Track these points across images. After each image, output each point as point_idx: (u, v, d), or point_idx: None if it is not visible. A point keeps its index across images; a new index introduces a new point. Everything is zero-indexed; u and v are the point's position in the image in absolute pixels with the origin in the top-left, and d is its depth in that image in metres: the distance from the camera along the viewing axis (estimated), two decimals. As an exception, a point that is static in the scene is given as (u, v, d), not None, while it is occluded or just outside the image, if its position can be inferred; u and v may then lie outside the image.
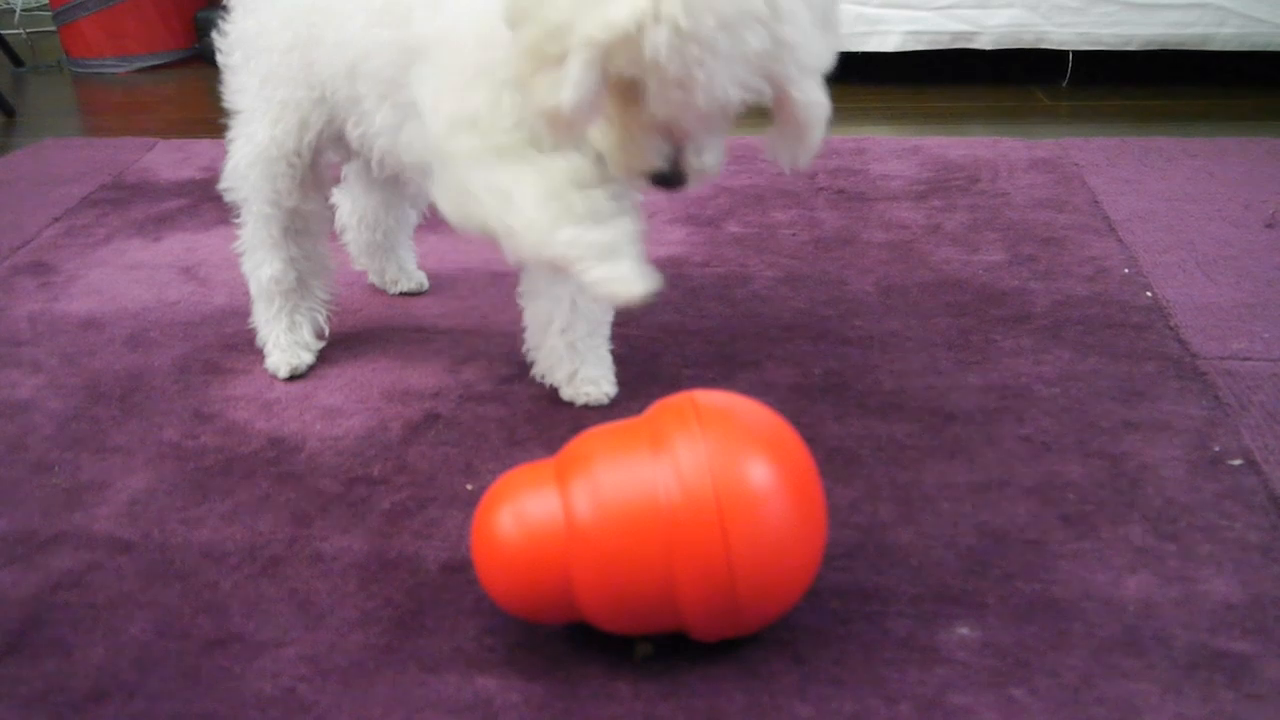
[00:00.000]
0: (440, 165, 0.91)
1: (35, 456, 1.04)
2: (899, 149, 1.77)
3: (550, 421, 1.07)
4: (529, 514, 0.75)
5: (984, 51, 2.07)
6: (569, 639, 0.80)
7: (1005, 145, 1.76)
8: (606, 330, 1.11)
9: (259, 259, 1.16)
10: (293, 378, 1.16)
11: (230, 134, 1.12)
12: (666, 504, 0.71)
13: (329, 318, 1.21)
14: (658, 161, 0.80)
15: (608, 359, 1.11)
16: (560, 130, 0.77)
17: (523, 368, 1.14)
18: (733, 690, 0.75)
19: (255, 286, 1.18)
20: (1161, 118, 1.93)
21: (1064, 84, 2.09)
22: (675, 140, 0.79)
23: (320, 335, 1.20)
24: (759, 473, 0.72)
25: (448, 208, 0.91)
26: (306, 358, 1.17)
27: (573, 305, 1.06)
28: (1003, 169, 1.67)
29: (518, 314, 1.12)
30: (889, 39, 2.08)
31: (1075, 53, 2.06)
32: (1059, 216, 1.49)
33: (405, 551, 0.90)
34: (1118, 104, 2.02)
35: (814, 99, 0.77)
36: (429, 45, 0.90)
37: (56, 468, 1.02)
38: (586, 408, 1.08)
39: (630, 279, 0.85)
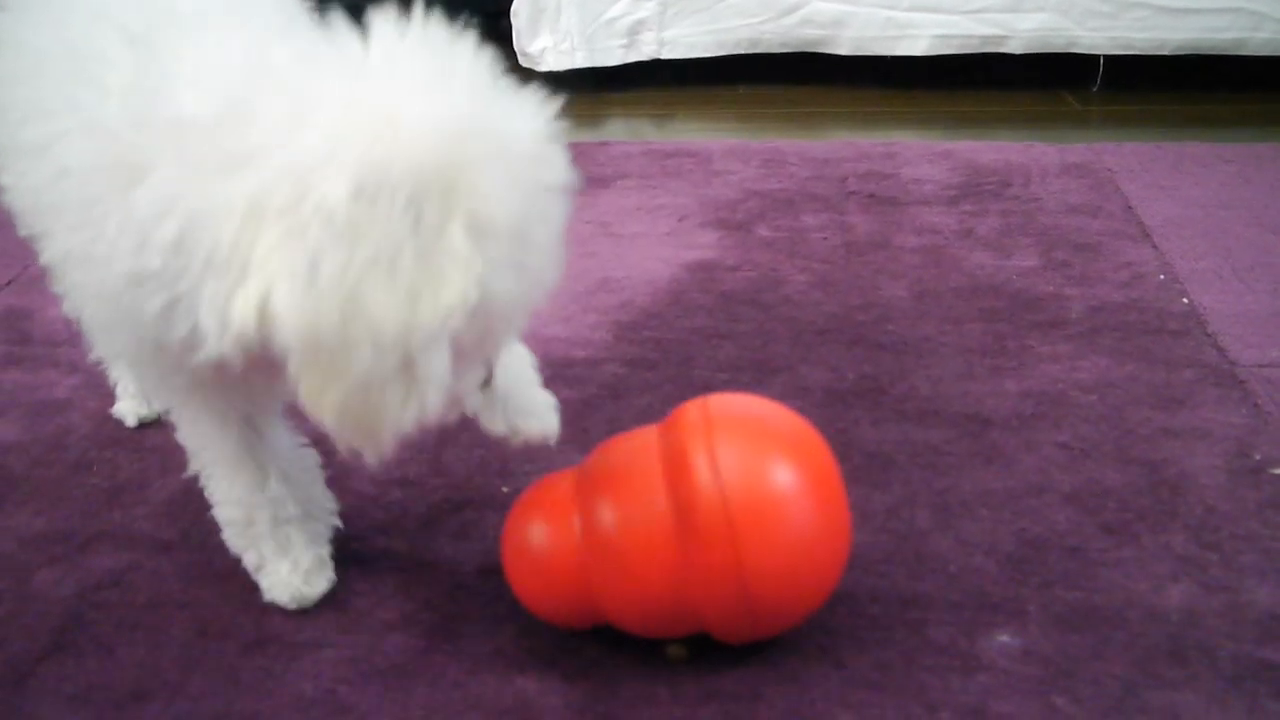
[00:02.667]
0: None
1: (74, 456, 1.05)
2: (929, 153, 1.76)
3: (585, 424, 1.07)
4: (550, 528, 0.76)
5: (1014, 56, 2.06)
6: (607, 642, 0.80)
7: (1037, 150, 1.75)
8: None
9: None
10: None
11: None
12: (677, 514, 0.71)
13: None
14: (481, 376, 0.70)
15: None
16: (399, 440, 0.62)
17: (556, 370, 1.14)
18: (773, 695, 0.75)
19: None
20: (1195, 123, 1.91)
21: (1095, 89, 2.08)
22: (488, 354, 0.69)
23: None
24: (771, 478, 0.72)
25: None
26: (156, 407, 1.07)
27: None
28: (1035, 174, 1.66)
29: (553, 318, 1.12)
30: (918, 43, 2.07)
31: (1106, 57, 2.05)
32: (1092, 222, 1.48)
33: (442, 554, 0.90)
34: (1150, 109, 2.00)
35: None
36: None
37: (95, 467, 1.03)
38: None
39: (285, 583, 0.84)
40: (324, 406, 0.59)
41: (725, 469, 0.71)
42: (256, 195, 0.56)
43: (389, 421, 0.60)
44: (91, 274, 0.65)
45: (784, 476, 0.72)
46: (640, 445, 0.76)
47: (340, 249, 0.55)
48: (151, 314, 0.63)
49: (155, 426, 1.09)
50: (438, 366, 0.59)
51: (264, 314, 0.57)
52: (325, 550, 0.87)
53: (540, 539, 0.76)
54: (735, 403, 0.77)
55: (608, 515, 0.73)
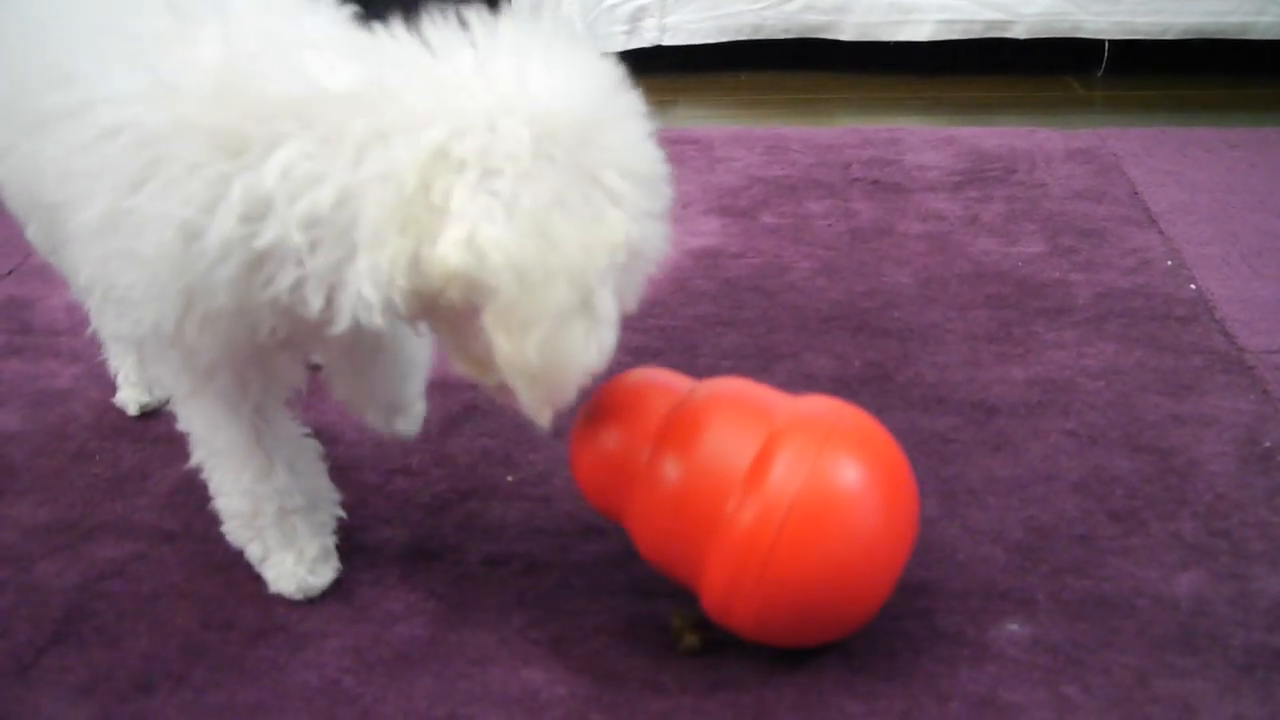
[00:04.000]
0: None
1: (76, 446, 1.04)
2: (933, 139, 1.75)
3: (589, 413, 1.06)
4: (621, 441, 0.75)
5: (1018, 41, 2.05)
6: (615, 632, 0.80)
7: (1041, 135, 1.74)
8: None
9: None
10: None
11: None
12: (736, 502, 0.70)
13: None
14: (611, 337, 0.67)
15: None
16: (571, 390, 0.65)
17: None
18: (781, 685, 0.74)
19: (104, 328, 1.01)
20: (1200, 108, 1.90)
21: (1100, 74, 2.07)
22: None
23: None
24: (842, 526, 0.70)
25: None
26: (159, 394, 1.07)
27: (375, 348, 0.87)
28: (1039, 159, 1.65)
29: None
30: (922, 28, 2.06)
31: (1111, 42, 2.04)
32: (1098, 208, 1.47)
33: (447, 543, 0.89)
34: (1155, 94, 1.99)
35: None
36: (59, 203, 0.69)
37: (97, 457, 1.03)
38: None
39: (293, 579, 0.84)
40: (526, 348, 0.62)
41: (807, 492, 0.69)
42: (433, 157, 0.60)
43: (579, 361, 0.63)
44: (148, 238, 0.64)
45: (856, 532, 0.70)
46: (748, 427, 0.73)
47: (529, 191, 0.60)
48: (277, 288, 0.64)
49: (157, 417, 1.08)
50: (610, 304, 0.63)
51: (474, 252, 0.60)
52: (330, 540, 0.86)
53: (609, 442, 0.76)
54: (860, 424, 0.75)
55: (673, 471, 0.72)
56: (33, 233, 0.85)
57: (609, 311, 0.63)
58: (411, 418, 0.95)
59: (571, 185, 0.61)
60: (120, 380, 1.10)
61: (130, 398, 1.09)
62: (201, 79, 0.63)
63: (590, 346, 0.63)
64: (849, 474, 0.71)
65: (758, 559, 0.69)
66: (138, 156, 0.64)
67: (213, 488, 0.85)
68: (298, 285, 0.64)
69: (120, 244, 0.65)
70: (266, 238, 0.62)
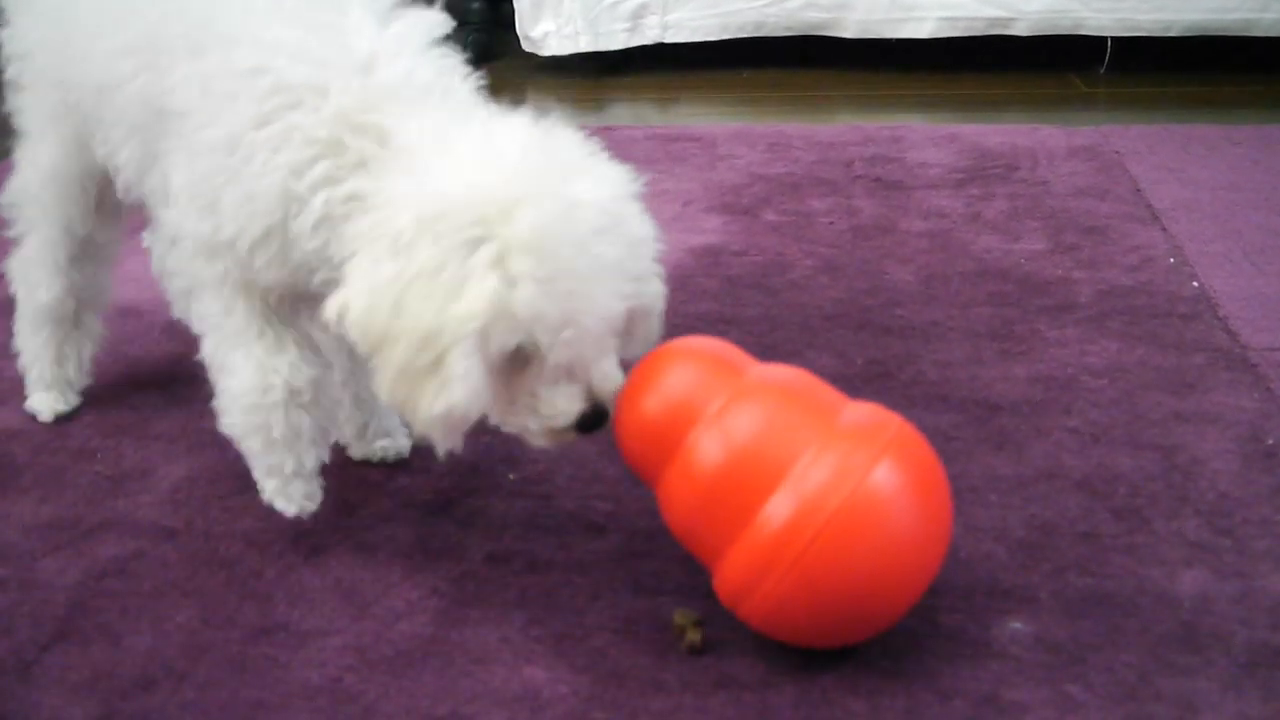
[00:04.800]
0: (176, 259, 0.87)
1: (77, 444, 1.04)
2: (935, 136, 1.75)
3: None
4: (666, 416, 0.75)
5: (1020, 38, 2.05)
6: (616, 630, 0.80)
7: (1043, 133, 1.74)
8: None
9: (37, 280, 1.05)
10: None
11: (16, 155, 1.03)
12: (776, 497, 0.70)
13: (95, 355, 1.11)
14: (578, 405, 0.75)
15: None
16: (456, 430, 0.74)
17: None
18: (783, 683, 0.74)
19: (26, 309, 1.07)
20: (1203, 105, 1.90)
21: (1102, 71, 2.06)
22: (580, 380, 0.75)
23: (86, 372, 1.10)
24: (883, 539, 0.70)
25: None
26: (73, 400, 1.09)
27: (352, 353, 0.89)
28: (1042, 157, 1.64)
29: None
30: (924, 25, 2.06)
31: (1114, 39, 2.03)
32: (1101, 205, 1.47)
33: (449, 541, 0.89)
34: (1157, 91, 1.99)
35: (660, 289, 0.78)
36: (185, 114, 0.81)
37: (99, 455, 1.03)
38: (384, 463, 0.99)
39: (291, 498, 0.87)
40: (381, 391, 0.74)
41: (850, 506, 0.68)
42: (372, 228, 0.73)
43: (424, 412, 0.72)
44: (254, 169, 0.76)
45: (887, 555, 0.70)
46: (799, 426, 0.72)
47: (395, 263, 0.70)
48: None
49: (160, 413, 1.08)
50: (462, 368, 0.69)
51: (338, 310, 0.73)
52: (324, 454, 0.89)
53: (654, 408, 0.75)
54: (922, 446, 0.75)
55: (716, 453, 0.72)
56: (127, 153, 0.89)
57: (462, 373, 0.70)
58: (397, 439, 0.99)
59: (447, 263, 0.69)
60: (32, 380, 1.08)
61: (44, 404, 1.07)
62: (342, 67, 0.76)
63: (438, 402, 0.71)
64: (893, 497, 0.70)
65: (785, 561, 0.69)
66: (268, 101, 0.76)
67: (221, 373, 0.86)
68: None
69: (232, 164, 0.77)
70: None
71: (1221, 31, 1.97)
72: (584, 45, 2.13)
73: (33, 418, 1.08)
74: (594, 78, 2.17)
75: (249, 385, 0.84)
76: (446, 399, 0.71)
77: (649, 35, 2.14)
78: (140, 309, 1.29)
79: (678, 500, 0.74)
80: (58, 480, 0.99)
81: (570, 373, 0.74)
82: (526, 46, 2.17)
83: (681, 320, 1.21)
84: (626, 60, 2.18)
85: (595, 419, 0.76)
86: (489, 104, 0.82)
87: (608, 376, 0.76)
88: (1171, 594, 0.80)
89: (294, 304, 0.86)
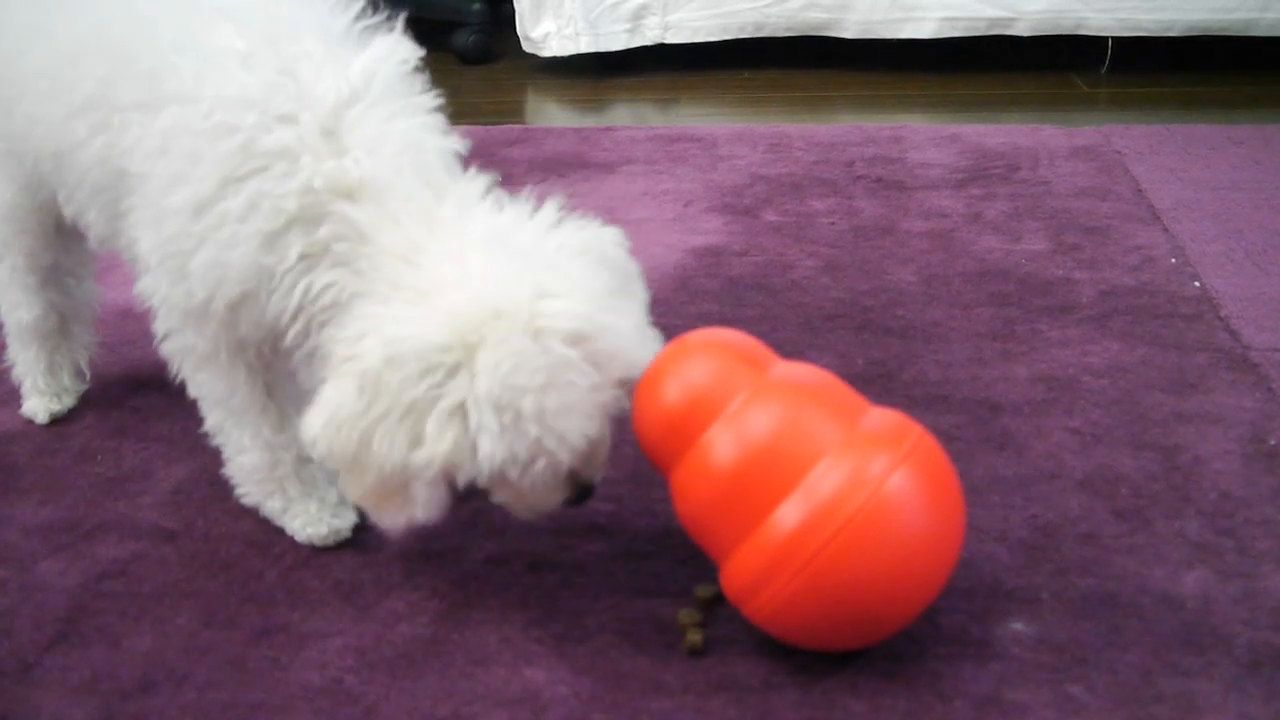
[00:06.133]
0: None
1: (78, 445, 1.04)
2: (936, 137, 1.75)
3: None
4: (682, 411, 0.74)
5: (1021, 38, 2.05)
6: (617, 631, 0.79)
7: (1045, 133, 1.74)
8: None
9: (15, 301, 1.04)
10: (53, 422, 1.07)
11: None
12: (790, 495, 0.70)
13: (90, 360, 1.11)
14: (560, 496, 0.77)
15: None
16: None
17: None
18: (784, 685, 0.74)
19: (11, 327, 1.07)
20: (1204, 105, 1.89)
21: (1103, 71, 2.06)
22: (563, 474, 0.75)
23: (81, 377, 1.10)
24: (898, 547, 0.69)
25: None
26: (68, 402, 1.08)
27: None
28: (1043, 157, 1.64)
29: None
30: (924, 25, 2.06)
31: (1114, 39, 2.03)
32: (1102, 205, 1.47)
33: (449, 543, 0.89)
34: (1158, 91, 1.99)
35: (652, 353, 0.77)
36: (146, 176, 0.77)
37: (99, 456, 1.03)
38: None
39: (321, 522, 0.88)
40: (345, 489, 0.76)
41: (864, 514, 0.68)
42: (342, 358, 0.72)
43: (389, 520, 0.75)
44: (225, 234, 0.74)
45: (898, 565, 0.69)
46: (817, 431, 0.72)
47: (361, 401, 0.70)
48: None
49: (160, 415, 1.08)
50: (425, 495, 0.72)
51: (308, 430, 0.73)
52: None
53: (672, 398, 0.74)
54: (938, 452, 0.74)
55: (731, 450, 0.71)
56: (94, 214, 0.87)
57: (425, 499, 0.72)
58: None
59: (414, 403, 0.69)
60: (27, 389, 1.08)
61: (40, 406, 1.07)
62: (309, 128, 0.73)
63: (400, 516, 0.74)
64: (909, 507, 0.70)
65: (795, 563, 0.69)
66: (241, 163, 0.73)
67: (230, 448, 0.89)
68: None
69: (199, 230, 0.74)
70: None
71: (1223, 31, 1.97)
72: (584, 46, 2.13)
73: (32, 420, 1.08)
74: (595, 78, 2.17)
75: (259, 463, 0.88)
76: (409, 516, 0.73)
77: (650, 36, 2.14)
78: (139, 310, 1.28)
79: (691, 494, 0.74)
80: (58, 482, 0.99)
81: (552, 482, 0.74)
82: (527, 47, 2.17)
83: (682, 321, 1.21)
84: (627, 61, 2.18)
85: (581, 496, 0.78)
86: (459, 171, 0.79)
87: (593, 463, 0.76)
88: (1174, 595, 0.80)
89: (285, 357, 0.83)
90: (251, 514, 0.93)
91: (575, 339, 0.69)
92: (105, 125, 0.80)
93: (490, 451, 0.69)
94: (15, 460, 1.02)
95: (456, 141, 0.80)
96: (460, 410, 0.69)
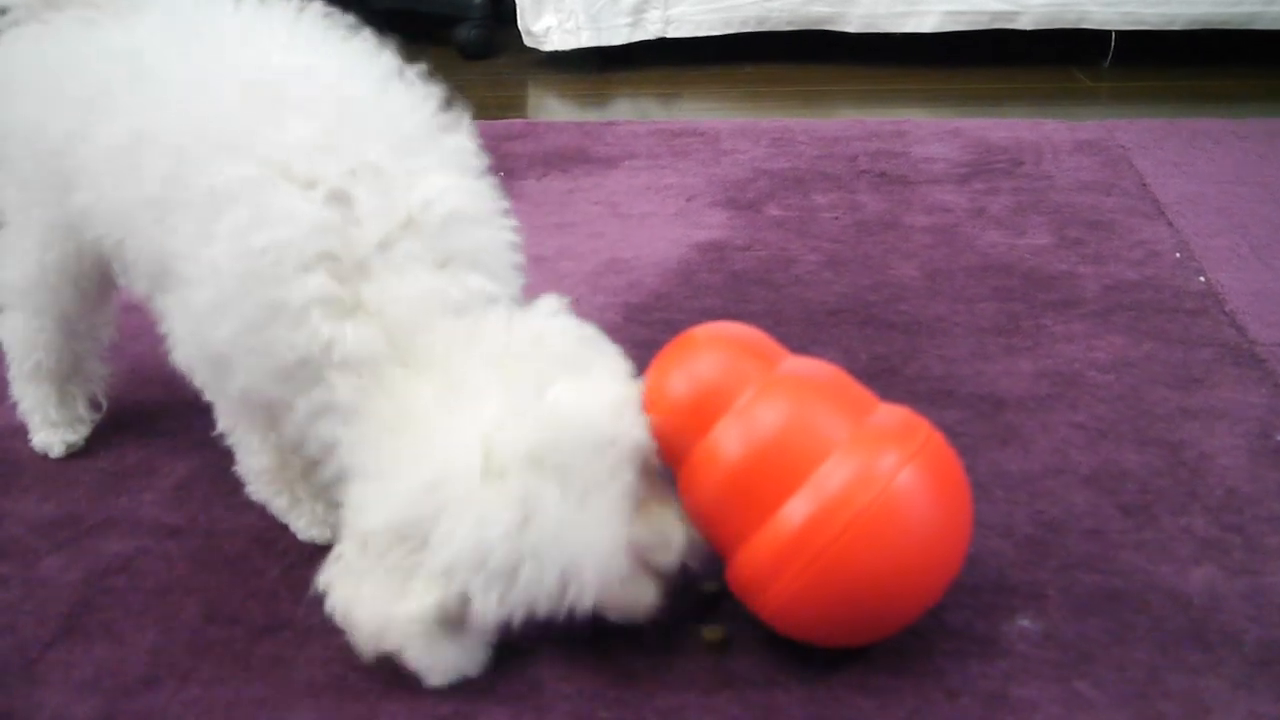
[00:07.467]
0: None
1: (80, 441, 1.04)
2: (939, 131, 1.74)
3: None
4: (694, 403, 0.73)
5: (1024, 32, 2.04)
6: (622, 628, 0.79)
7: (1048, 127, 1.73)
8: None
9: (34, 345, 0.98)
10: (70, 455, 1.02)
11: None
12: (800, 491, 0.69)
13: (105, 390, 1.05)
14: (647, 597, 0.74)
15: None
16: None
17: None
18: (790, 682, 0.74)
19: (23, 368, 1.00)
20: (1208, 99, 1.89)
21: (1106, 65, 2.06)
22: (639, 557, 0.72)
23: (96, 408, 1.05)
24: (907, 543, 0.69)
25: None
26: (84, 431, 1.03)
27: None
28: (1046, 151, 1.64)
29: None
30: (927, 19, 2.05)
31: (1118, 33, 2.03)
32: (1106, 199, 1.46)
33: (453, 538, 0.89)
34: (1162, 85, 1.98)
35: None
36: (188, 282, 0.76)
37: (102, 452, 1.02)
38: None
39: (327, 523, 0.88)
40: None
41: (872, 510, 0.67)
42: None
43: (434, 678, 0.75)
44: (245, 340, 0.76)
45: (906, 561, 0.69)
46: (825, 428, 0.71)
47: (346, 580, 0.73)
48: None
49: (162, 410, 1.08)
50: (420, 654, 0.72)
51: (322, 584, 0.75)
52: None
53: (680, 391, 0.74)
54: (946, 448, 0.74)
55: (738, 446, 0.71)
56: (146, 283, 0.86)
57: (421, 659, 0.73)
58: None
59: (393, 574, 0.70)
60: (36, 423, 1.01)
61: (56, 439, 1.01)
62: (342, 272, 0.73)
63: (403, 662, 0.74)
64: (917, 505, 0.69)
65: (803, 558, 0.68)
66: (266, 306, 0.72)
67: (241, 450, 0.89)
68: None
69: (229, 350, 0.76)
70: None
71: (1226, 25, 1.96)
72: (586, 40, 2.12)
73: (46, 454, 1.03)
74: (596, 73, 2.16)
75: (269, 464, 0.88)
76: (408, 665, 0.74)
77: (651, 30, 2.14)
78: (143, 306, 1.28)
79: (698, 488, 0.73)
80: (60, 478, 0.99)
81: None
82: (528, 41, 2.16)
83: (686, 316, 1.20)
84: (628, 55, 2.18)
85: (681, 569, 0.75)
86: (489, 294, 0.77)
87: (667, 549, 0.73)
88: (1181, 591, 0.80)
89: None
90: (254, 510, 0.92)
91: (535, 460, 0.67)
92: (163, 222, 0.78)
93: (484, 611, 0.69)
94: (18, 456, 1.02)
95: (507, 257, 0.79)
96: (436, 574, 0.69)
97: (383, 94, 0.79)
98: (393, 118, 0.78)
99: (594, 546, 0.69)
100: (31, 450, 1.02)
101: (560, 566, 0.68)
